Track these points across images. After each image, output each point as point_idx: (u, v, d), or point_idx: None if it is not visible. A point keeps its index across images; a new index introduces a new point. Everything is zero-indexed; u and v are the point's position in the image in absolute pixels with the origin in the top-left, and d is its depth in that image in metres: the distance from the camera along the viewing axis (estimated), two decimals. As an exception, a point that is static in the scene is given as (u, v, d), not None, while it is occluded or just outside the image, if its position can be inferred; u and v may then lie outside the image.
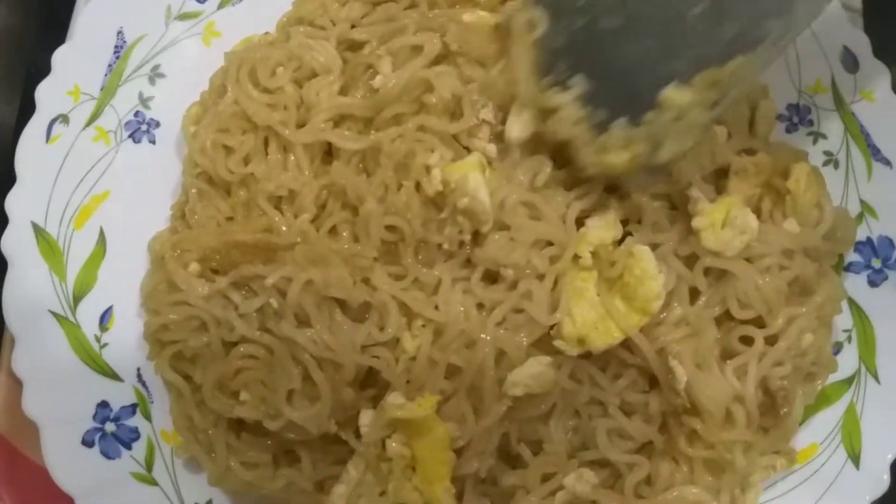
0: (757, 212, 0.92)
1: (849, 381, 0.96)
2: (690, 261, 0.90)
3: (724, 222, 0.88)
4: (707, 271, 0.89)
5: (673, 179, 0.91)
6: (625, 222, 0.92)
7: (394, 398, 0.84)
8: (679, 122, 0.79)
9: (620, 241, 0.90)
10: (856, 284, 0.97)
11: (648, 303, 0.85)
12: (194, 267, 0.91)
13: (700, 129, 0.82)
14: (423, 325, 0.88)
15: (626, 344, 0.87)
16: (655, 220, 0.91)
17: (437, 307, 0.88)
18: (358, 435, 0.87)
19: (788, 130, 1.05)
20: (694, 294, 0.90)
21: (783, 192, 0.94)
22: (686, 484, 0.88)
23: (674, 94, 0.78)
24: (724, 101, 0.79)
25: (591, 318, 0.86)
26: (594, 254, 0.88)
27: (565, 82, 0.85)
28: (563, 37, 0.85)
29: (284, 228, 0.90)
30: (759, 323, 0.90)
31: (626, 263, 0.86)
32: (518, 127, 0.91)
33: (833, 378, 0.96)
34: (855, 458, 0.93)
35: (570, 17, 0.84)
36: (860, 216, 1.00)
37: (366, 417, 0.86)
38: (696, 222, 0.89)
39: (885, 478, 0.91)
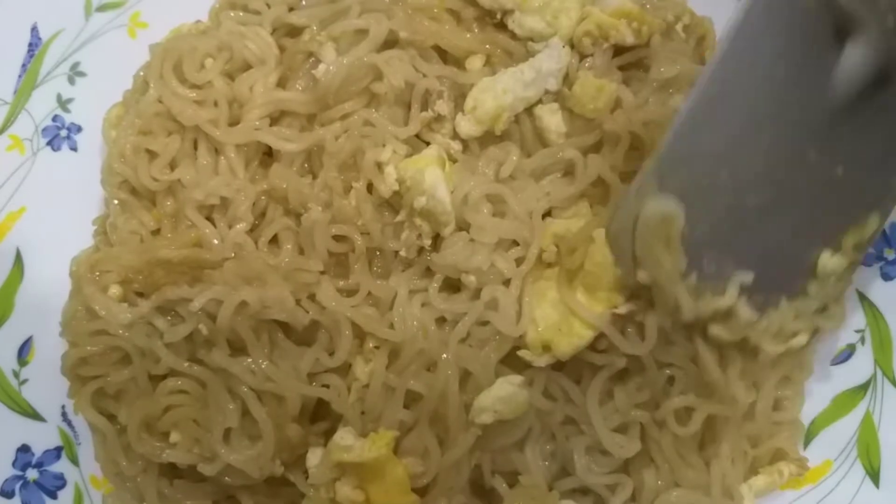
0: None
1: (864, 388, 0.86)
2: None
3: None
4: None
5: (644, 153, 0.80)
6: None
7: (341, 437, 0.74)
8: (838, 284, 0.78)
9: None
10: (868, 278, 0.87)
11: (613, 293, 0.75)
12: (115, 290, 0.80)
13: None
14: (377, 347, 0.78)
15: (594, 344, 0.77)
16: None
17: (391, 325, 0.77)
18: (308, 476, 0.77)
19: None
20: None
21: None
22: (670, 488, 0.79)
23: (829, 262, 0.76)
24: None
25: (553, 319, 0.76)
26: (557, 245, 0.78)
27: (719, 278, 0.73)
28: (705, 223, 0.72)
29: (216, 241, 0.80)
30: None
31: (586, 250, 0.76)
32: (468, 125, 0.82)
33: (846, 384, 0.87)
34: (874, 475, 0.83)
35: (710, 197, 0.71)
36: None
37: (314, 457, 0.76)
38: None
39: (909, 496, 0.81)
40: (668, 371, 0.79)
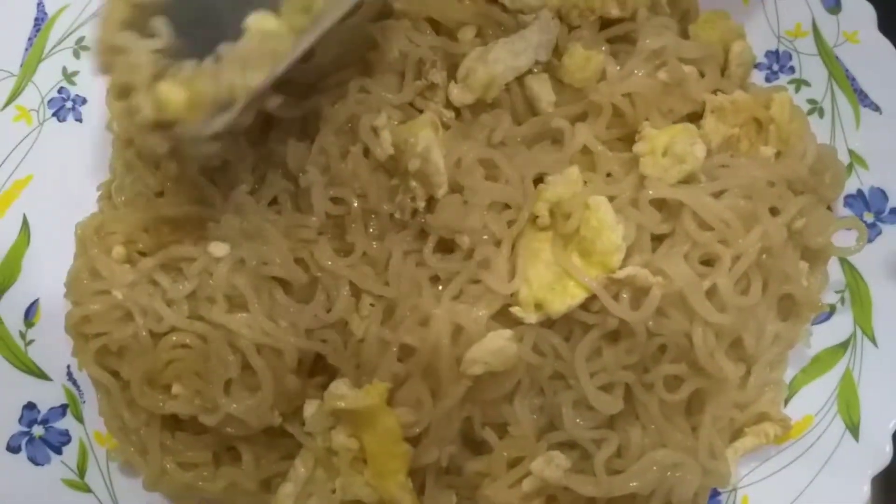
0: (735, 151, 0.84)
1: (844, 346, 0.88)
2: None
3: (666, 151, 0.80)
4: (661, 208, 0.81)
5: (628, 120, 0.83)
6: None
7: (336, 387, 0.76)
8: (260, 53, 0.67)
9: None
10: (848, 241, 0.89)
11: (608, 256, 0.77)
12: (119, 251, 0.83)
13: (279, 61, 0.68)
14: (372, 304, 0.80)
15: (586, 305, 0.79)
16: (609, 169, 0.83)
17: (386, 283, 0.80)
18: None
19: (768, 79, 0.97)
20: (659, 241, 0.82)
21: (766, 122, 0.86)
22: (657, 448, 0.80)
23: (259, 21, 0.67)
24: (312, 30, 0.69)
25: (546, 279, 0.78)
26: (550, 211, 0.80)
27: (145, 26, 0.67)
28: None
29: (219, 201, 0.82)
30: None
31: (581, 216, 0.78)
32: (460, 93, 0.84)
33: (826, 343, 0.89)
34: (853, 429, 0.85)
35: None
36: (850, 167, 0.92)
37: (310, 408, 0.79)
38: (637, 147, 0.81)
39: (888, 449, 0.83)
40: (659, 339, 0.79)
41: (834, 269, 0.90)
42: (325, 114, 0.83)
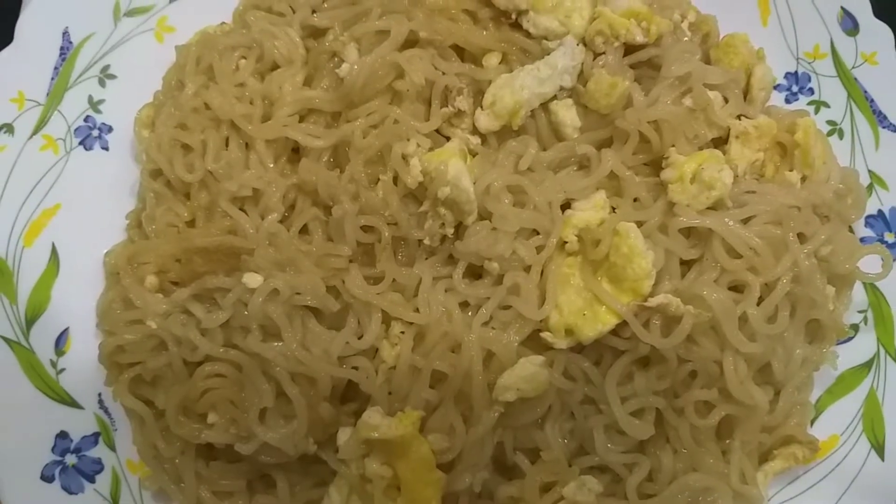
0: (762, 176, 0.86)
1: (867, 366, 0.89)
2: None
3: (695, 177, 0.81)
4: (689, 234, 0.82)
5: (654, 146, 0.84)
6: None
7: (369, 415, 0.77)
8: None
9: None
10: (869, 260, 0.90)
11: (639, 282, 0.78)
12: (151, 281, 0.84)
13: None
14: (402, 331, 0.81)
15: (616, 330, 0.79)
16: (637, 195, 0.84)
17: (416, 310, 0.81)
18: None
19: (788, 100, 0.99)
20: (688, 267, 0.83)
21: (791, 147, 0.87)
22: (689, 472, 0.81)
23: None
24: None
25: (577, 304, 0.79)
26: (578, 237, 0.81)
27: None
28: None
29: (252, 231, 0.83)
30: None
31: (611, 242, 0.79)
32: (487, 119, 0.85)
33: (850, 363, 0.90)
34: (879, 449, 0.86)
35: None
36: (870, 187, 0.93)
37: (344, 435, 0.79)
38: (665, 174, 0.82)
39: (913, 468, 0.84)
40: (689, 366, 0.80)
41: (856, 287, 0.91)
42: (356, 143, 0.84)
